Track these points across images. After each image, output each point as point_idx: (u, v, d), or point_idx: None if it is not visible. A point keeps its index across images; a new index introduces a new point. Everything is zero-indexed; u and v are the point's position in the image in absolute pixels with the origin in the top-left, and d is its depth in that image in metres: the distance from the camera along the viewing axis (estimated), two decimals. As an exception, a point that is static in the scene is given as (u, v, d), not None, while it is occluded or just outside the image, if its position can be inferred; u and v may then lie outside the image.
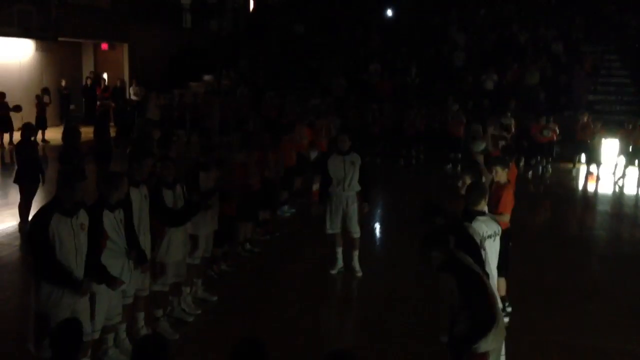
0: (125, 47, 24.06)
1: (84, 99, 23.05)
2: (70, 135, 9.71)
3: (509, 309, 6.78)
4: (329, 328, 7.09)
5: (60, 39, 20.81)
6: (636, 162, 15.47)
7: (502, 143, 10.47)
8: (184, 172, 7.13)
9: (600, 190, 15.30)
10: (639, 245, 10.76)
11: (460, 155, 16.78)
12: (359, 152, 8.19)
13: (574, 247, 10.14)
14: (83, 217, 4.96)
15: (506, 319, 6.19)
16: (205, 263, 7.40)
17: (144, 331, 6.05)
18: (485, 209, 5.68)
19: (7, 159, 16.48)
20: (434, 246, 4.54)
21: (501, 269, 5.87)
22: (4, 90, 17.61)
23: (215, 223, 7.15)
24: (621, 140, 15.87)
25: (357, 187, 8.07)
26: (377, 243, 10.48)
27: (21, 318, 5.84)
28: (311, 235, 9.61)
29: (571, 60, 20.36)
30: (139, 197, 5.77)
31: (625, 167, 15.46)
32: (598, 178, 15.99)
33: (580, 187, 16.25)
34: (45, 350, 4.64)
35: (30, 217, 9.37)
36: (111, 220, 5.31)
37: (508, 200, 6.62)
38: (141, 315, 6.10)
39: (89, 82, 23.18)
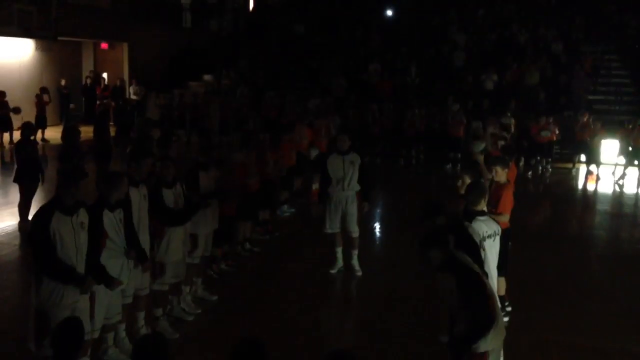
0: (125, 46, 24.06)
1: (83, 99, 23.05)
2: (69, 134, 9.70)
3: (509, 309, 6.78)
4: (329, 328, 7.08)
5: (60, 38, 20.79)
6: (636, 162, 15.47)
7: (501, 143, 10.44)
8: (184, 172, 7.13)
9: (600, 190, 15.30)
10: (639, 245, 10.76)
11: (460, 155, 16.79)
12: (359, 152, 8.20)
13: (574, 247, 10.15)
14: (83, 216, 4.97)
15: (506, 319, 6.19)
16: (204, 262, 7.40)
17: (144, 330, 6.04)
18: (485, 208, 5.68)
19: (7, 158, 16.48)
20: (434, 246, 4.54)
21: (501, 268, 5.87)
22: (3, 90, 17.61)
23: (215, 222, 7.15)
24: (621, 140, 15.89)
25: (357, 187, 8.07)
26: (377, 243, 10.47)
27: (21, 318, 5.83)
28: (311, 235, 9.61)
29: (571, 60, 20.37)
30: (137, 197, 5.78)
31: (625, 167, 15.46)
32: (598, 178, 16.00)
33: (580, 187, 16.26)
34: (45, 349, 4.65)
35: (30, 217, 9.41)
36: (111, 220, 5.32)
37: (507, 200, 6.62)
38: (141, 315, 6.09)
39: (88, 81, 23.18)
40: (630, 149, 15.41)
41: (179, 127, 20.31)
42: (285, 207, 11.35)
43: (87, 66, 24.43)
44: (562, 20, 22.54)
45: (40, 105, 18.93)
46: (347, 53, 22.61)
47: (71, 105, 21.96)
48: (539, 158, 17.11)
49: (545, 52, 20.95)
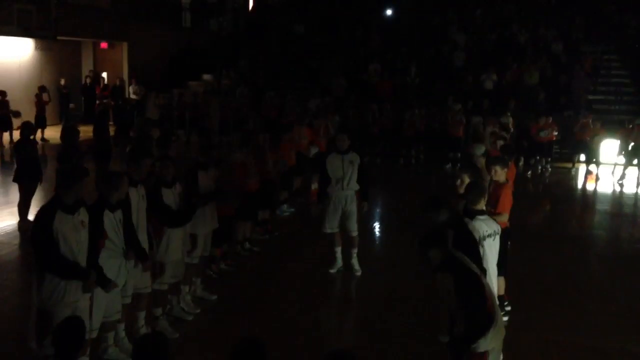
0: (125, 46, 24.05)
1: (83, 98, 23.04)
2: (68, 134, 9.70)
3: (508, 308, 6.77)
4: (329, 328, 7.08)
5: (59, 37, 20.81)
6: (636, 161, 15.47)
7: (501, 142, 10.45)
8: (184, 171, 7.13)
9: (600, 190, 15.30)
10: (639, 245, 10.76)
11: (460, 155, 16.79)
12: (359, 152, 8.19)
13: (574, 247, 10.14)
14: (83, 215, 4.98)
15: (505, 318, 6.19)
16: (204, 262, 7.40)
17: (144, 330, 6.04)
18: (484, 208, 5.69)
19: (7, 158, 16.48)
20: (433, 245, 4.54)
21: (500, 268, 5.87)
22: (3, 89, 17.59)
23: (214, 222, 7.14)
24: (621, 140, 15.89)
25: (356, 186, 8.07)
26: (377, 243, 10.47)
27: (21, 318, 5.84)
28: (310, 234, 9.60)
29: (571, 60, 20.36)
30: (136, 197, 5.77)
31: (625, 167, 15.46)
32: (597, 178, 16.00)
33: (580, 186, 16.26)
34: (47, 348, 4.66)
35: (29, 216, 9.41)
36: (111, 220, 5.32)
37: (507, 199, 6.61)
38: (142, 314, 6.09)
39: (88, 81, 23.17)
40: (630, 148, 15.40)
41: (178, 126, 20.33)
42: (285, 206, 11.35)
43: (87, 66, 24.43)
44: (562, 20, 22.53)
45: (39, 105, 18.93)
46: (347, 53, 22.61)
47: (71, 105, 21.95)
48: (538, 158, 17.11)
49: (545, 52, 20.94)
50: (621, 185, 15.22)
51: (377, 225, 11.25)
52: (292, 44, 23.85)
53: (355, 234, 8.22)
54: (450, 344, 4.73)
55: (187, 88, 22.57)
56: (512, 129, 16.32)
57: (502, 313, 5.41)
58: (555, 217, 13.01)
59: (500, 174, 6.71)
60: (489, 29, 22.83)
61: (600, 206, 13.98)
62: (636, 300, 7.72)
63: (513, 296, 6.93)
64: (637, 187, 15.10)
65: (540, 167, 16.99)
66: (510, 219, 6.70)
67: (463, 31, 22.59)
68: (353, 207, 8.08)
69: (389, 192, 14.25)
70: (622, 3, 22.20)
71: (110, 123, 16.80)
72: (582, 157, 17.06)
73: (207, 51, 25.12)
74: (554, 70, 19.99)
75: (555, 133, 16.95)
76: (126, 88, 23.05)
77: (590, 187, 15.72)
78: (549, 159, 17.11)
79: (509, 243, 6.70)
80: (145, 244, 5.84)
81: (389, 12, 26.11)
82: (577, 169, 17.27)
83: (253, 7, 30.31)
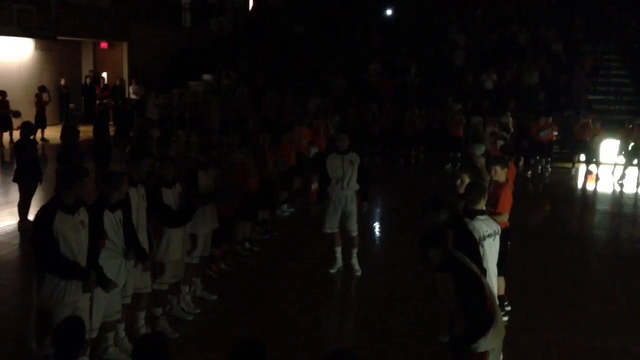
0: (125, 46, 24.05)
1: (83, 98, 23.04)
2: (68, 134, 9.70)
3: (508, 308, 6.77)
4: (329, 328, 7.08)
5: (59, 37, 20.81)
6: (636, 161, 15.47)
7: (500, 142, 10.45)
8: (184, 171, 7.13)
9: (600, 190, 15.30)
10: (639, 245, 10.76)
11: (460, 155, 16.80)
12: (359, 152, 8.19)
13: (574, 247, 10.14)
14: (83, 215, 4.98)
15: (505, 318, 6.19)
16: (204, 262, 7.40)
17: (144, 330, 6.04)
18: (484, 208, 5.68)
19: (7, 158, 16.47)
20: (433, 245, 4.54)
21: (500, 268, 5.87)
22: (3, 89, 17.59)
23: (214, 222, 7.14)
24: (621, 140, 15.89)
25: (356, 186, 8.06)
26: (377, 243, 10.47)
27: (21, 318, 5.84)
28: (310, 234, 9.60)
29: (571, 60, 20.37)
30: (136, 197, 5.77)
31: (625, 167, 15.46)
32: (597, 178, 16.00)
33: (580, 186, 16.26)
34: (47, 348, 4.66)
35: (29, 216, 9.41)
36: (111, 220, 5.32)
37: (507, 199, 6.61)
38: (142, 314, 6.09)
39: (88, 81, 23.17)
40: (630, 148, 15.40)
41: (178, 126, 20.33)
42: (285, 206, 11.35)
43: (87, 66, 24.43)
44: (562, 20, 22.54)
45: (39, 104, 18.93)
46: (347, 53, 22.61)
47: (71, 105, 21.96)
48: (538, 158, 17.11)
49: (545, 52, 20.95)
50: (621, 185, 15.23)
51: (377, 225, 11.25)
52: (292, 44, 23.85)
53: (355, 234, 8.22)
54: (450, 344, 4.73)
55: (187, 88, 22.57)
56: (512, 129, 16.33)
57: (502, 313, 5.41)
58: (555, 217, 13.01)
59: (500, 174, 6.71)
60: (489, 29, 22.83)
61: (600, 206, 13.98)
62: (636, 300, 7.72)
63: (513, 296, 6.93)
64: (637, 187, 15.10)
65: (540, 167, 16.99)
66: (510, 219, 6.70)
67: (463, 31, 22.59)
68: (353, 207, 8.08)
69: (389, 192, 14.25)
70: (622, 3, 22.21)
71: (110, 123, 16.80)
72: (582, 157, 17.06)
73: (207, 51, 25.12)
74: (554, 70, 19.99)
75: (555, 133, 16.96)
76: (126, 88, 23.05)
77: (590, 187, 15.72)
78: (549, 159, 17.11)
79: (509, 243, 6.70)
80: (145, 244, 5.84)
81: (389, 12, 26.11)
82: (577, 169, 17.27)
83: (253, 7, 30.32)
